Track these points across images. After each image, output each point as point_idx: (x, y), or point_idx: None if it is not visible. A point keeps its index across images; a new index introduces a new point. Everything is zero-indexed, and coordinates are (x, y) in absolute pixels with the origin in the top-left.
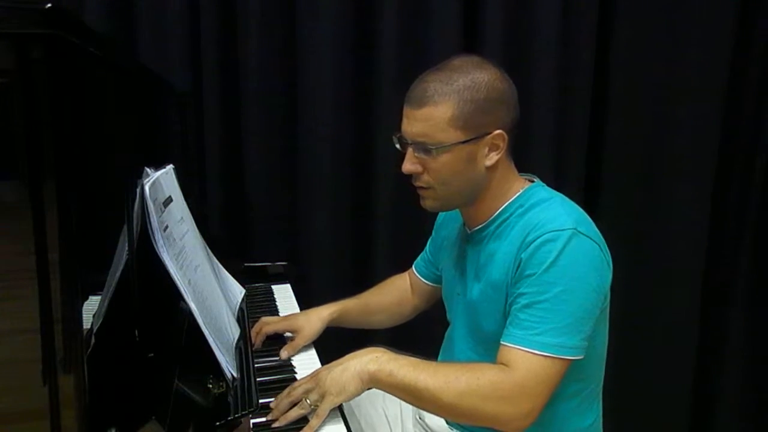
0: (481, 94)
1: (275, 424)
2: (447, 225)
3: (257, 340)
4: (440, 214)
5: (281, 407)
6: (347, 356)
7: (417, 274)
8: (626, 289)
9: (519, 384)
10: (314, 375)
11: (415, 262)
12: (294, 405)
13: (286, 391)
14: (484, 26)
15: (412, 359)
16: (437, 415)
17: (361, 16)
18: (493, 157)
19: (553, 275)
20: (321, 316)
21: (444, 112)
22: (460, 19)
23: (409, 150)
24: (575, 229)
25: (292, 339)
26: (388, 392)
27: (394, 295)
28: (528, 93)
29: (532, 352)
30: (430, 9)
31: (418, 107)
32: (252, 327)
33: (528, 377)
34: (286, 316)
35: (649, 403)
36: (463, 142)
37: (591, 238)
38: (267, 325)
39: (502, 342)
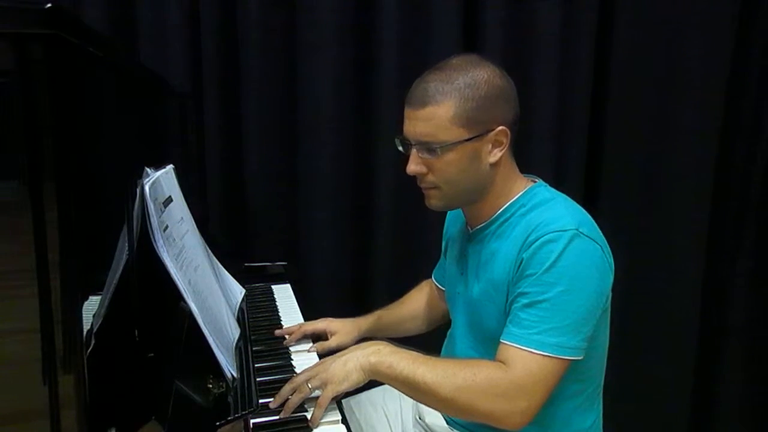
0: (481, 91)
1: (282, 414)
2: (452, 227)
3: (292, 337)
4: (446, 220)
5: (283, 394)
6: (350, 348)
7: (435, 282)
8: (626, 289)
9: (515, 382)
10: (316, 365)
11: (433, 271)
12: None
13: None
14: (484, 27)
15: (413, 353)
16: (436, 409)
17: (361, 18)
18: (496, 154)
19: (553, 275)
20: (358, 325)
21: (446, 111)
22: (460, 19)
23: (413, 151)
24: (577, 229)
25: (325, 340)
26: (388, 384)
27: (424, 300)
28: (528, 93)
29: (530, 351)
30: (430, 9)
31: (421, 107)
32: (252, 327)
33: (525, 375)
34: (325, 319)
35: (648, 403)
36: (467, 140)
37: (593, 240)
38: (305, 325)
39: (501, 340)
